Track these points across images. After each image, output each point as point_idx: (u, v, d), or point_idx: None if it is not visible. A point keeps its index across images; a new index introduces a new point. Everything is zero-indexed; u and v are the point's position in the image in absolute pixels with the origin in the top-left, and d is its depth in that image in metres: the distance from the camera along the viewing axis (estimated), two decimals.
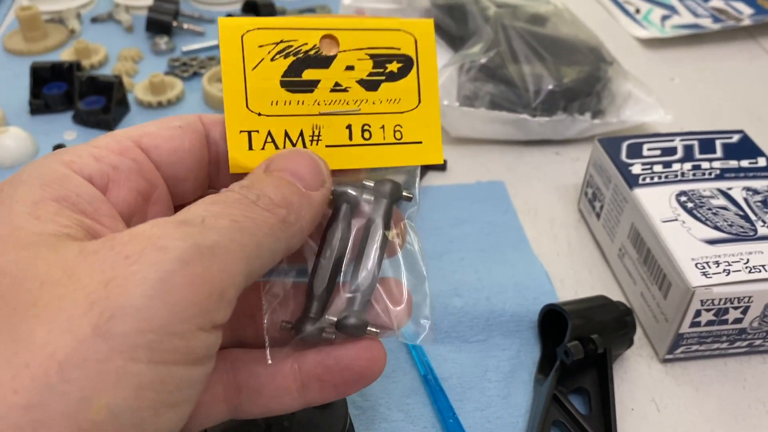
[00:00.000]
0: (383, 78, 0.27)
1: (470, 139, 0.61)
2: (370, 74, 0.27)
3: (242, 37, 0.25)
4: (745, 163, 0.47)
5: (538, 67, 0.59)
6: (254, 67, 0.25)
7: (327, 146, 0.26)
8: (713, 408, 0.40)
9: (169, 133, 0.25)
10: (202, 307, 0.18)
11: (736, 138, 0.50)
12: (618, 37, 0.78)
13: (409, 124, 0.27)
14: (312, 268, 0.26)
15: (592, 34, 0.65)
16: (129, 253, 0.18)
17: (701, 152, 0.48)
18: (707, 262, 0.39)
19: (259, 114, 0.25)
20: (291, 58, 0.26)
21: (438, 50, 0.68)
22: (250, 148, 0.25)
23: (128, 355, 0.17)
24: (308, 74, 0.26)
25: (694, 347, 0.41)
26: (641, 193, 0.45)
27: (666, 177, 0.46)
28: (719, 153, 0.48)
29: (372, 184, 0.26)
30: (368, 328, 0.25)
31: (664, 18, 0.82)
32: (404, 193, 0.27)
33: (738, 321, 0.40)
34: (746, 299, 0.39)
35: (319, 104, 0.26)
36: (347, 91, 0.27)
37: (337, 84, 0.26)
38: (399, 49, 0.27)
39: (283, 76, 0.26)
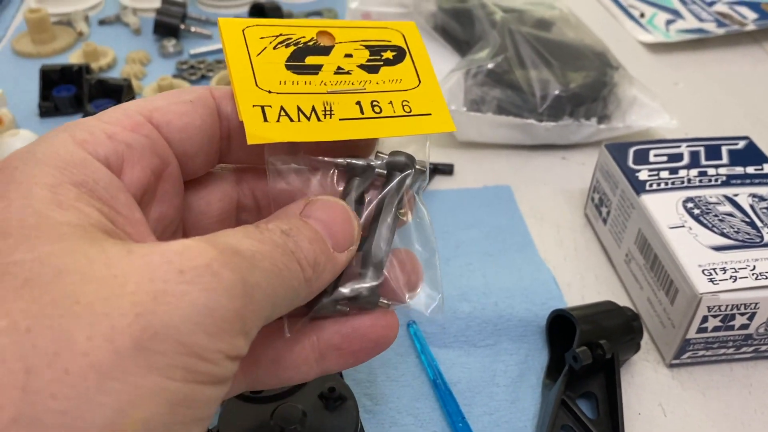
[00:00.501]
0: (381, 63, 0.28)
1: (477, 144, 0.61)
2: (369, 60, 0.28)
3: (243, 30, 0.26)
4: (750, 170, 0.47)
5: (545, 73, 0.59)
6: (258, 54, 0.26)
7: (341, 119, 0.26)
8: (719, 413, 0.40)
9: (181, 108, 0.24)
10: (232, 342, 0.19)
11: (741, 144, 0.50)
12: (622, 42, 0.79)
13: (415, 100, 0.28)
14: None
15: (598, 38, 0.66)
16: (184, 268, 0.18)
17: (707, 158, 0.48)
18: (714, 269, 0.40)
19: (269, 92, 0.26)
20: (292, 48, 0.27)
21: (445, 54, 0.70)
22: (265, 120, 0.25)
23: (165, 373, 0.17)
24: (311, 60, 0.27)
25: (701, 353, 0.42)
26: (648, 200, 0.45)
27: (672, 183, 0.46)
28: (725, 159, 0.48)
29: (386, 156, 0.27)
30: (380, 300, 0.26)
31: (669, 22, 0.82)
32: (417, 166, 0.27)
33: (744, 327, 0.40)
34: (753, 305, 0.39)
35: (325, 84, 0.27)
36: (350, 73, 0.27)
37: (339, 68, 0.27)
38: (390, 41, 0.29)
39: (287, 61, 0.27)
